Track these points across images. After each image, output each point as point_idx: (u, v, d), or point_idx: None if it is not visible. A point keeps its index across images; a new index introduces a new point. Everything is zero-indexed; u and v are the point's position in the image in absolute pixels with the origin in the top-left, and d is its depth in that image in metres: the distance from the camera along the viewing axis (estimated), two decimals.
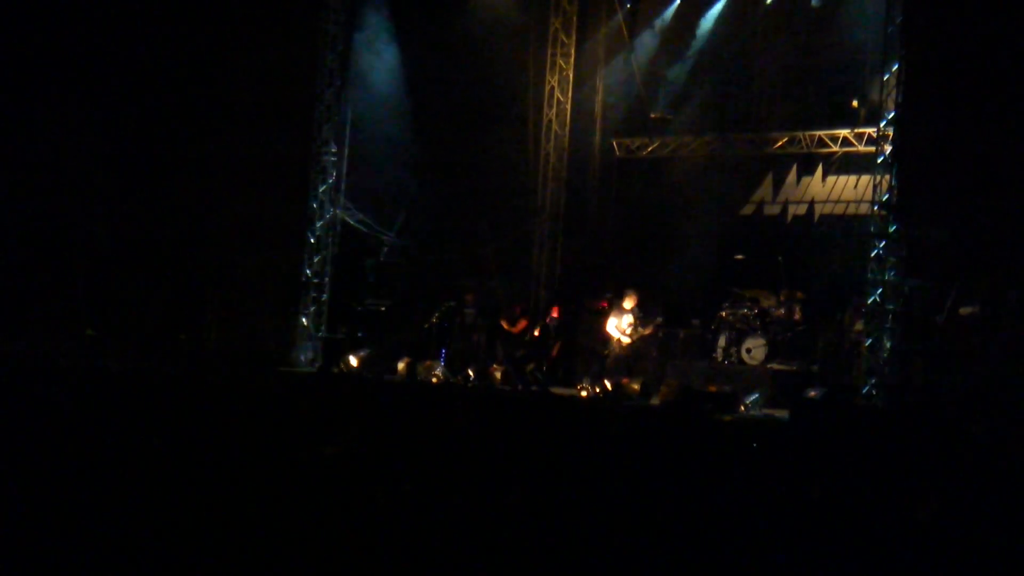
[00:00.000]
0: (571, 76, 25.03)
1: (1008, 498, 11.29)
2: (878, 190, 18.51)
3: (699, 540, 8.83)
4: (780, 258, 21.46)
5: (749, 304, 21.40)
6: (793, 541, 8.91)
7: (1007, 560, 9.05)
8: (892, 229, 18.17)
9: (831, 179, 22.84)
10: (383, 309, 24.03)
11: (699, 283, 22.98)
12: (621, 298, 21.33)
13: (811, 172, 23.19)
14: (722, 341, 21.44)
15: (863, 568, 8.67)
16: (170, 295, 23.51)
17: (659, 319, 21.33)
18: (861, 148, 21.80)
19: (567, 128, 25.15)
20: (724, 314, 21.51)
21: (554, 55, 25.03)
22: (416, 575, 7.76)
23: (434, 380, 21.19)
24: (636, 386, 19.79)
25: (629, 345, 21.06)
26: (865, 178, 21.07)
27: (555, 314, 22.50)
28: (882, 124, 18.65)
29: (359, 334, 23.54)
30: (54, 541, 7.76)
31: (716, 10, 23.95)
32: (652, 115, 24.43)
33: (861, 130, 21.65)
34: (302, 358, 23.32)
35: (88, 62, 23.17)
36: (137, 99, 23.47)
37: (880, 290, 18.20)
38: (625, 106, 25.39)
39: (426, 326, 22.76)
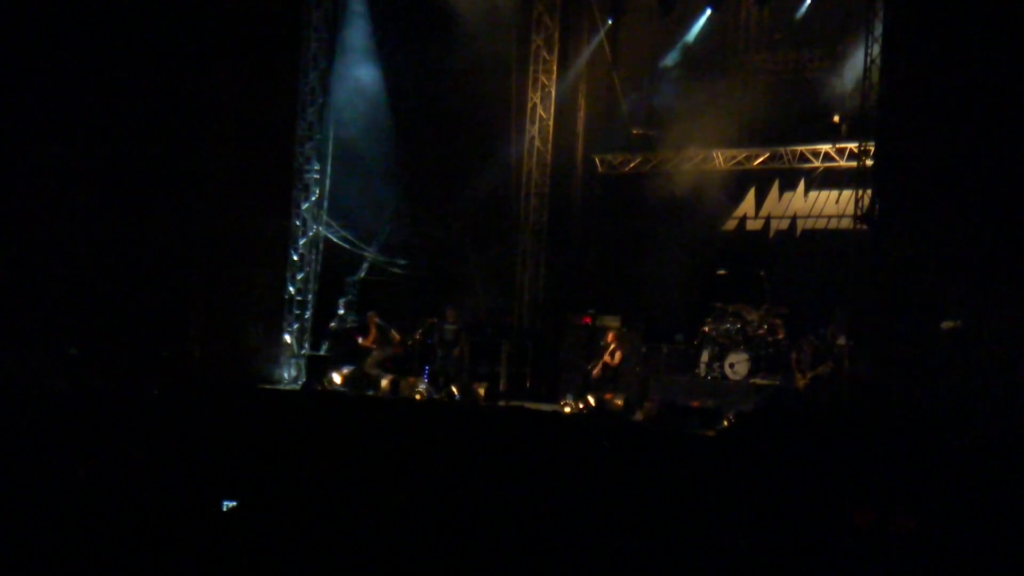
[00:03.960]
0: (553, 93, 25.04)
1: (987, 510, 11.33)
2: (860, 205, 18.58)
3: (684, 553, 8.86)
4: (763, 273, 21.52)
5: (732, 319, 21.44)
6: (778, 553, 8.94)
7: (985, 569, 9.09)
8: (874, 243, 18.22)
9: (813, 194, 22.90)
10: (349, 326, 24.09)
11: (682, 298, 23.01)
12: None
13: (793, 187, 23.25)
14: (705, 356, 21.48)
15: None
16: (153, 313, 23.45)
17: (621, 351, 21.37)
18: (843, 163, 21.87)
19: (549, 144, 25.16)
20: (707, 329, 21.54)
21: (536, 72, 25.04)
22: None
23: (417, 397, 21.19)
24: (619, 402, 19.81)
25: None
26: (847, 193, 21.16)
27: (450, 317, 22.55)
28: (864, 139, 18.72)
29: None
30: (38, 559, 7.75)
31: (698, 26, 24.00)
32: (634, 131, 24.49)
33: (843, 145, 21.73)
34: (285, 375, 23.31)
35: (70, 81, 23.12)
36: (119, 117, 23.40)
37: (862, 304, 18.25)
38: (607, 122, 25.43)
39: (409, 343, 22.76)
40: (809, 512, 10.71)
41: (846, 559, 9.26)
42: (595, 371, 21.22)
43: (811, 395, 19.44)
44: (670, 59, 24.56)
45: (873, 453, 14.76)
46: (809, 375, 19.85)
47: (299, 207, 23.80)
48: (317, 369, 23.06)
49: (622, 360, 21.18)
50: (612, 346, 21.24)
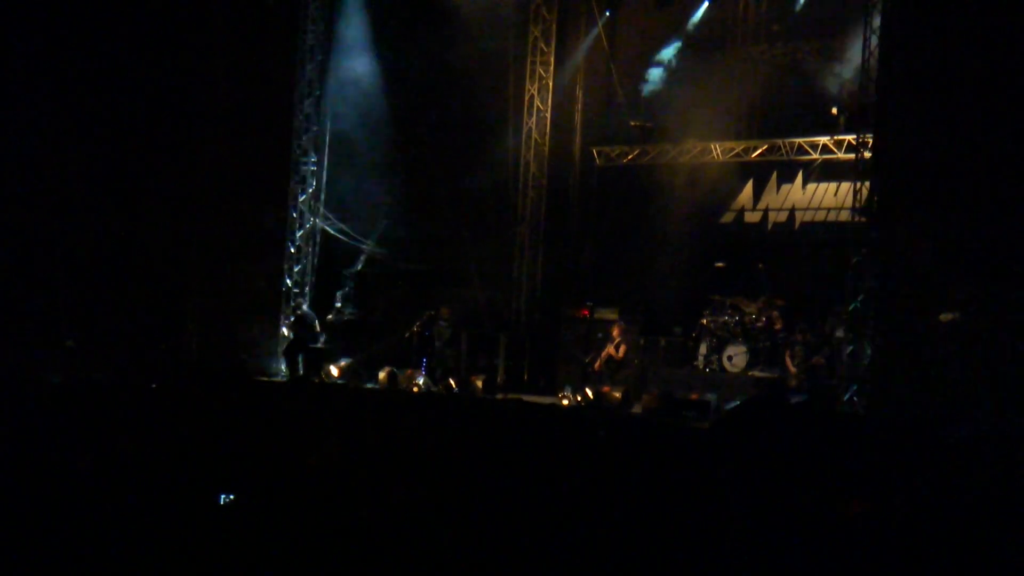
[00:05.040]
0: (551, 84, 25.02)
1: (985, 504, 11.31)
2: (858, 197, 18.56)
3: (683, 548, 8.83)
4: (761, 265, 21.51)
5: (730, 312, 21.44)
6: (779, 549, 8.91)
7: (982, 565, 9.06)
8: (872, 236, 18.20)
9: (811, 186, 22.86)
10: (348, 319, 24.11)
11: (680, 291, 23.00)
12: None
13: (791, 179, 23.21)
14: (703, 349, 21.50)
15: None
16: (150, 305, 23.44)
17: (626, 344, 21.41)
18: (841, 155, 21.81)
19: (547, 136, 25.14)
20: (705, 322, 21.55)
21: (534, 63, 25.01)
22: None
23: (415, 389, 21.19)
24: (618, 394, 19.79)
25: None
26: (845, 185, 21.16)
27: (445, 315, 22.71)
28: (862, 131, 18.69)
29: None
30: (36, 553, 7.73)
31: (697, 17, 23.96)
32: (632, 123, 24.43)
33: (841, 137, 21.66)
34: (283, 368, 23.30)
35: (67, 73, 23.11)
36: (116, 109, 23.41)
37: (861, 297, 18.24)
38: (605, 114, 25.39)
39: (407, 335, 22.75)
40: (805, 505, 10.68)
41: (840, 551, 9.24)
42: (597, 364, 21.25)
43: (803, 386, 19.45)
44: (668, 51, 24.51)
45: (870, 446, 14.75)
46: (802, 366, 19.87)
47: (296, 199, 23.79)
48: (314, 361, 23.04)
49: (626, 354, 21.21)
50: (617, 339, 21.26)
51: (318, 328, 23.41)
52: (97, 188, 23.41)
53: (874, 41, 18.34)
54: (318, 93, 23.91)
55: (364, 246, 25.00)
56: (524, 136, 25.08)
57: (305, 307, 23.58)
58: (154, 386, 18.87)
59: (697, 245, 23.36)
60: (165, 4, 23.37)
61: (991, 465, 13.73)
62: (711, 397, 19.18)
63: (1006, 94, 16.90)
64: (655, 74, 24.72)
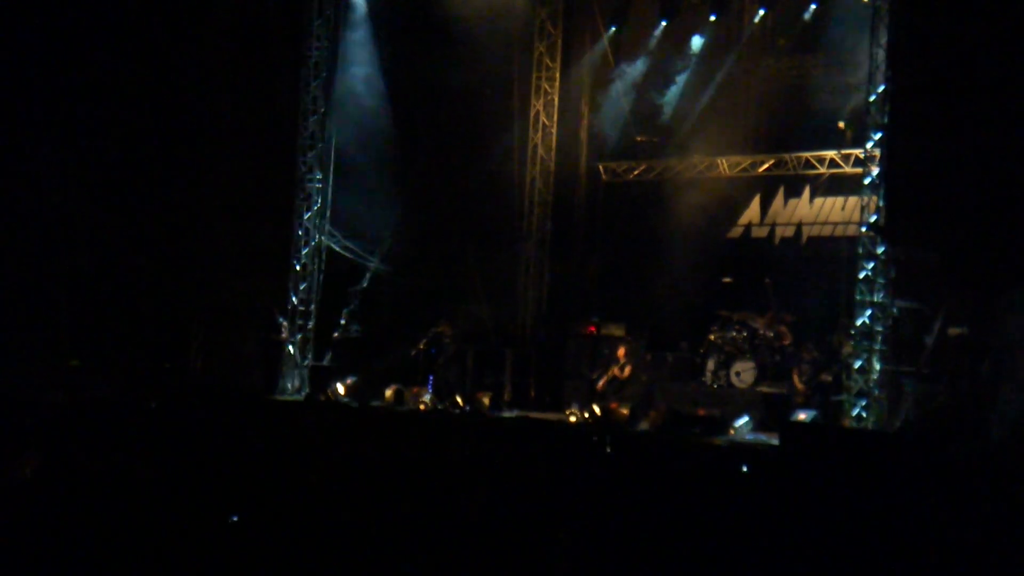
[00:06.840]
0: (556, 100, 24.98)
1: (995, 520, 11.24)
2: (866, 211, 18.48)
3: (691, 564, 8.76)
4: (768, 281, 21.44)
5: (737, 327, 21.37)
6: (787, 565, 8.84)
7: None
8: (880, 250, 18.13)
9: (818, 201, 22.81)
10: (353, 337, 24.05)
11: (687, 306, 22.95)
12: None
13: (798, 194, 23.17)
14: (711, 364, 21.43)
15: None
16: (155, 324, 23.40)
17: (631, 365, 21.34)
18: (848, 169, 21.77)
19: (553, 152, 25.09)
20: (712, 337, 21.48)
21: (539, 79, 24.97)
22: None
23: (422, 407, 21.09)
24: (625, 410, 19.70)
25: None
26: (852, 199, 21.08)
27: (447, 332, 22.63)
28: (869, 145, 18.62)
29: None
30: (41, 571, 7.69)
31: (703, 32, 23.92)
32: (638, 139, 24.40)
33: (848, 151, 21.60)
34: (288, 386, 23.21)
35: (71, 91, 23.11)
36: (120, 127, 23.39)
37: (869, 312, 18.15)
38: (611, 130, 25.35)
39: (413, 353, 22.67)
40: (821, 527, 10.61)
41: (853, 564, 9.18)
42: (600, 383, 21.17)
43: (811, 403, 19.37)
44: (674, 66, 24.47)
45: (880, 462, 14.66)
46: (810, 383, 19.77)
47: (301, 217, 23.72)
48: (320, 380, 22.94)
49: (631, 375, 21.13)
50: (623, 360, 21.18)
51: None
52: (101, 206, 23.39)
53: (881, 54, 18.29)
54: (323, 111, 23.82)
55: (370, 263, 24.92)
56: (530, 152, 25.04)
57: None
58: (157, 405, 18.85)
59: (704, 260, 23.31)
60: (168, 20, 23.36)
61: (1001, 480, 13.64)
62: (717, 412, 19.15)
63: (1015, 107, 16.83)
64: (661, 89, 24.68)
